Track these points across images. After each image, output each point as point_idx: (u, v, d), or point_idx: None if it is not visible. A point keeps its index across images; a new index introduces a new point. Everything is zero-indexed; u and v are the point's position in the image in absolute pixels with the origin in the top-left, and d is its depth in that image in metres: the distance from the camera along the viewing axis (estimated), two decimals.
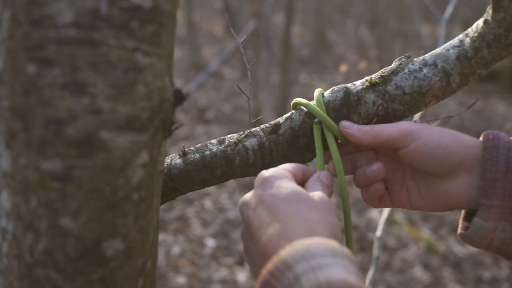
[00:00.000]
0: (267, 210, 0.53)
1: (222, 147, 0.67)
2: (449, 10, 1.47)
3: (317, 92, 0.67)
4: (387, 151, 0.67)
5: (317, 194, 0.56)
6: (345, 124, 0.65)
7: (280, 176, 0.57)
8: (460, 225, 0.65)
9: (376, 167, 0.65)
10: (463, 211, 0.66)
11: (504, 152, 0.59)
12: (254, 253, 0.55)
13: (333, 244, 0.48)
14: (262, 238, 0.52)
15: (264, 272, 0.47)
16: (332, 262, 0.45)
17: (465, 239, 0.63)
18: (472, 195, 0.62)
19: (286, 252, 0.47)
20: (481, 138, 0.62)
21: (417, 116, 1.50)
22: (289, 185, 0.56)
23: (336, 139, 0.67)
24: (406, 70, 0.65)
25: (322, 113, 0.65)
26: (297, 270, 0.44)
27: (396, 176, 0.68)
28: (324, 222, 0.53)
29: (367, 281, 1.28)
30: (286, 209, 0.53)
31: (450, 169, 0.61)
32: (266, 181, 0.56)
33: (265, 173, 0.58)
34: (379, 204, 0.69)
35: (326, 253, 0.46)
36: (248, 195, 0.57)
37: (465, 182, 0.62)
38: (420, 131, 0.62)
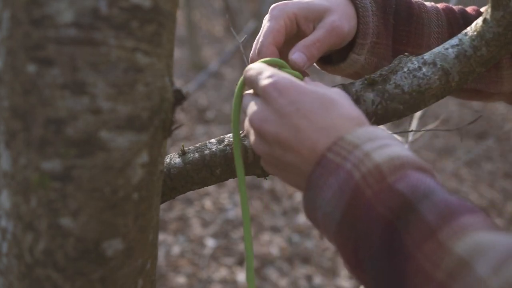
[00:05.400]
0: (306, 119, 0.50)
1: (221, 146, 0.67)
2: None
3: None
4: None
5: (334, 91, 0.54)
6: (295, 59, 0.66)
7: (290, 80, 0.53)
8: (320, 66, 0.76)
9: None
10: (318, 63, 0.76)
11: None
12: (292, 159, 0.51)
13: (387, 131, 0.51)
14: (307, 142, 0.50)
15: (323, 150, 0.48)
16: (395, 143, 0.48)
17: (336, 70, 0.74)
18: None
19: (349, 135, 0.48)
20: None
21: (417, 115, 1.50)
22: (310, 89, 0.53)
23: None
24: (405, 69, 0.65)
25: None
26: (366, 148, 0.47)
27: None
28: (362, 114, 0.53)
29: None
30: (327, 114, 0.51)
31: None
32: (285, 90, 0.52)
33: (276, 81, 0.53)
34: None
35: (386, 136, 0.49)
36: (261, 111, 0.53)
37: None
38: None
